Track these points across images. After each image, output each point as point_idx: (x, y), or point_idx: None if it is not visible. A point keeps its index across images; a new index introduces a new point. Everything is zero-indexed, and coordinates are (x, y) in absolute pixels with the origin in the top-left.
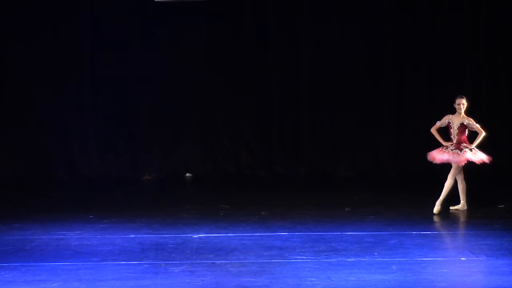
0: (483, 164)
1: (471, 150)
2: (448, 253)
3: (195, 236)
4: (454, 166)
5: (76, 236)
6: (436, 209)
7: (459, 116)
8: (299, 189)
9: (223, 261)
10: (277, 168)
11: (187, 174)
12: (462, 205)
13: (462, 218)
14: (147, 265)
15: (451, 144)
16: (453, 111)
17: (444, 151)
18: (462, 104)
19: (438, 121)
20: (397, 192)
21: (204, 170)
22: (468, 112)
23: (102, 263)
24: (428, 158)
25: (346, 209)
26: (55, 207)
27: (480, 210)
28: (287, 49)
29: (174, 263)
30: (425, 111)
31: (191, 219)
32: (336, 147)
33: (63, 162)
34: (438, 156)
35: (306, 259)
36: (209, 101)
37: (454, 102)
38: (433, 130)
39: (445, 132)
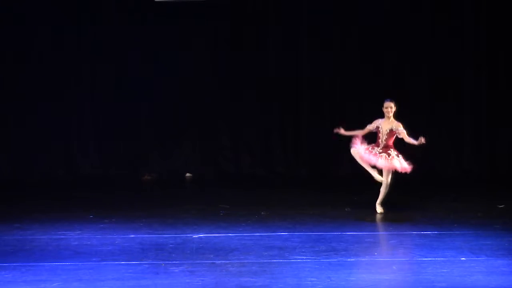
0: (405, 173)
1: (398, 155)
2: (448, 253)
3: (195, 236)
4: (384, 172)
5: (76, 236)
6: (379, 209)
7: (388, 120)
8: (299, 189)
9: (223, 261)
10: (277, 168)
11: (187, 174)
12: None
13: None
14: (147, 265)
15: (379, 147)
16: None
17: (371, 152)
18: (390, 107)
19: (368, 125)
20: (397, 192)
21: (204, 170)
22: (468, 112)
23: (102, 263)
24: (353, 150)
25: (346, 209)
26: (55, 207)
27: (480, 210)
28: (287, 48)
29: (174, 263)
30: (425, 110)
31: (191, 219)
32: (336, 147)
33: (63, 162)
34: (365, 154)
35: (306, 259)
36: (209, 101)
37: (383, 106)
38: (362, 131)
39: (373, 136)
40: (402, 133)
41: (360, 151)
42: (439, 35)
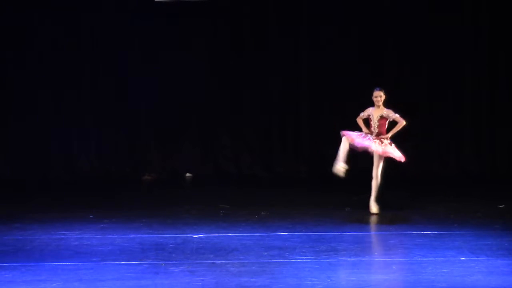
0: (400, 162)
1: (390, 144)
2: (448, 253)
3: (195, 236)
4: (375, 162)
5: (76, 236)
6: (374, 209)
7: (378, 108)
8: (299, 189)
9: (223, 261)
10: (277, 168)
11: (187, 174)
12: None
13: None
14: (147, 265)
15: (372, 135)
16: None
17: (365, 138)
18: (380, 96)
19: (361, 112)
20: (397, 192)
21: (204, 170)
22: (468, 111)
23: (102, 263)
24: (345, 136)
25: (346, 209)
26: (55, 207)
27: (480, 210)
28: (287, 49)
29: (174, 263)
30: (425, 110)
31: (191, 219)
32: (336, 147)
33: (63, 162)
34: (357, 138)
35: (306, 259)
36: (209, 101)
37: (372, 95)
38: (358, 120)
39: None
40: (395, 117)
41: (352, 136)
42: (439, 35)
